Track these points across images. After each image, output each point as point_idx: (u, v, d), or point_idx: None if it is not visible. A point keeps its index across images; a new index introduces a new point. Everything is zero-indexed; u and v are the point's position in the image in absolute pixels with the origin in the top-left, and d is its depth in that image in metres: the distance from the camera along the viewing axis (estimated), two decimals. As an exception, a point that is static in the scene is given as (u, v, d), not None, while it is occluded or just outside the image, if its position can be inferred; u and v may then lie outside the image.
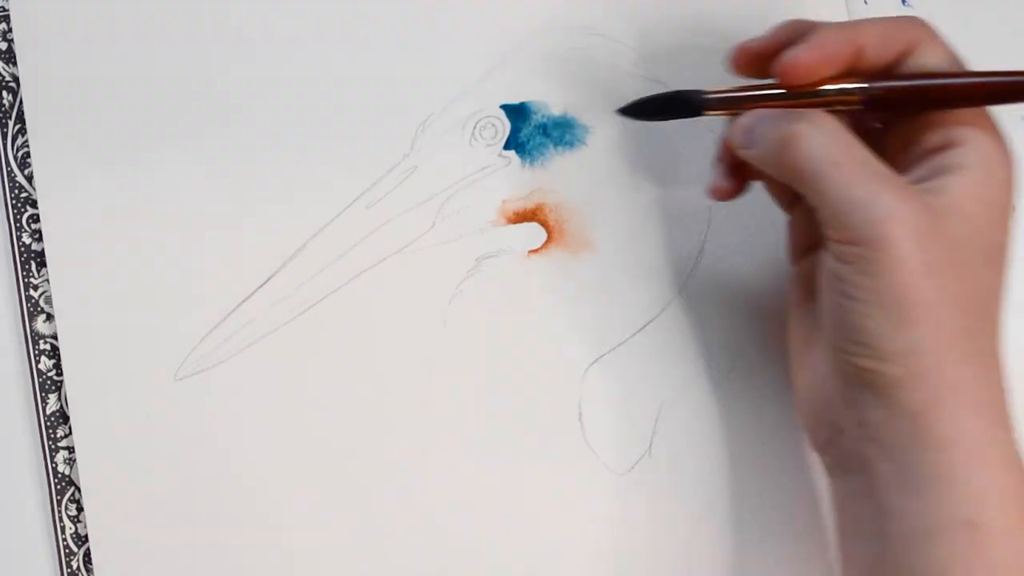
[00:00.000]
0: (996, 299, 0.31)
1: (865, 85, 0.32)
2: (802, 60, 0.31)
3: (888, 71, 0.32)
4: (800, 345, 0.34)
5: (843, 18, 0.40)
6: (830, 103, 0.32)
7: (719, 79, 0.40)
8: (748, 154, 0.33)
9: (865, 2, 0.41)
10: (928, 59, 0.32)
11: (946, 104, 0.31)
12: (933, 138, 0.31)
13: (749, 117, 0.33)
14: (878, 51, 0.32)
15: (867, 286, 0.29)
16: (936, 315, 0.29)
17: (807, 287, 0.34)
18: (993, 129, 0.31)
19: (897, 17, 0.32)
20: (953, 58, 0.32)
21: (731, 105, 0.34)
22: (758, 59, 0.34)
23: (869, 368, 0.30)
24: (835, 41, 0.31)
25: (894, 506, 0.30)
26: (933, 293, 0.29)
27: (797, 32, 0.33)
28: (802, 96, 0.32)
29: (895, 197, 0.29)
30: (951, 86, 0.31)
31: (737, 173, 0.35)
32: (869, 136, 0.32)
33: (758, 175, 0.35)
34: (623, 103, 0.36)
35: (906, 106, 0.32)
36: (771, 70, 0.33)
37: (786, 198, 0.35)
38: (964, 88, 0.31)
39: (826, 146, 0.30)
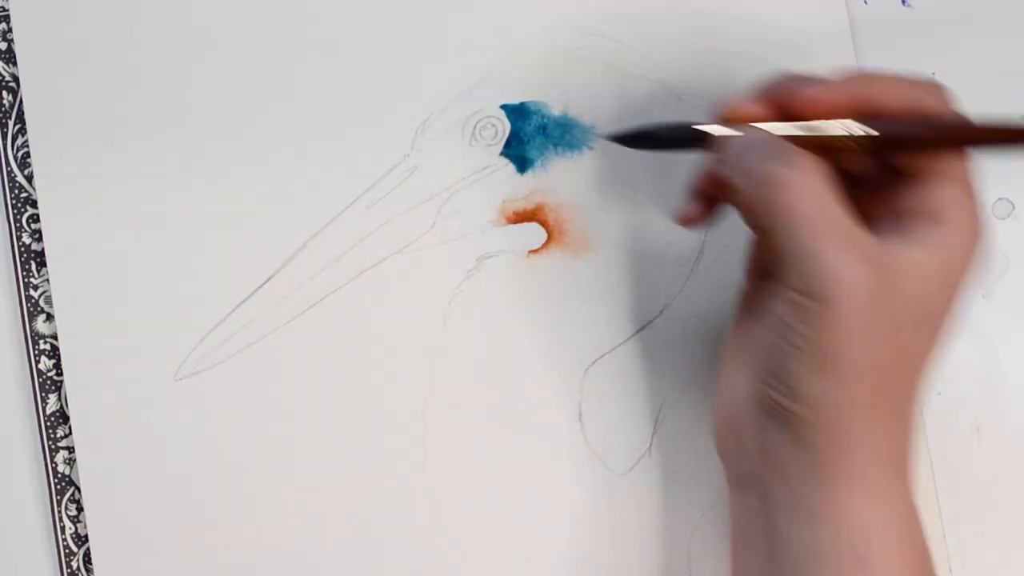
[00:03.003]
0: (923, 363, 0.32)
1: (865, 135, 0.32)
2: (802, 100, 0.32)
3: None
4: (730, 360, 0.35)
5: (843, 18, 0.40)
6: (831, 143, 0.32)
7: (718, 79, 0.40)
8: (729, 176, 0.33)
9: (865, 2, 0.41)
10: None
11: (923, 147, 0.32)
12: (911, 201, 0.32)
13: (742, 142, 0.33)
14: (890, 105, 0.32)
15: (805, 335, 0.30)
16: (860, 374, 0.30)
17: (752, 308, 0.35)
18: (971, 204, 0.32)
19: (919, 81, 0.32)
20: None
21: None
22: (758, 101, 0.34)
23: (783, 404, 0.31)
24: (847, 94, 0.32)
25: (785, 529, 0.32)
26: (863, 354, 0.30)
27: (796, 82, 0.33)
28: (806, 134, 0.32)
29: (853, 261, 0.30)
30: (948, 129, 0.32)
31: (707, 201, 0.35)
32: (857, 182, 0.33)
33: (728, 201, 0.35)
34: (615, 127, 0.36)
35: (905, 148, 0.32)
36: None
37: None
38: (958, 131, 0.32)
39: (804, 199, 0.31)
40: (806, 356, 0.31)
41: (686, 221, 0.36)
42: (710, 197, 0.35)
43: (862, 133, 0.32)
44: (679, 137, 0.34)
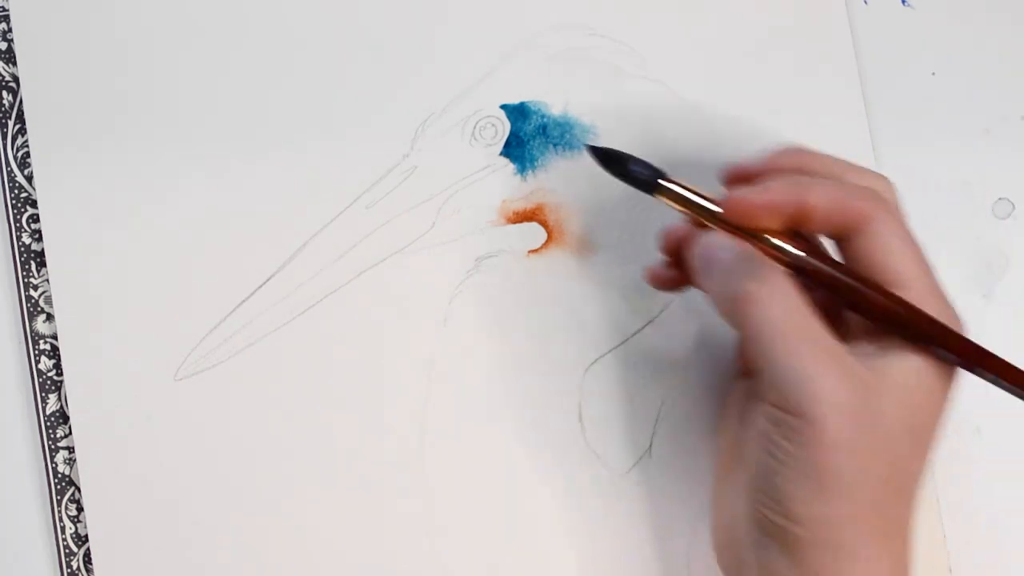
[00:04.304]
0: (915, 478, 0.31)
1: (793, 251, 0.32)
2: (743, 202, 0.32)
3: (840, 239, 0.32)
4: (723, 473, 0.35)
5: (843, 20, 0.40)
6: (765, 251, 0.32)
7: (719, 79, 0.40)
8: (698, 273, 0.33)
9: (865, 2, 0.41)
10: (874, 242, 0.31)
11: (855, 308, 0.31)
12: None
13: (706, 250, 0.32)
14: (829, 215, 0.31)
15: (791, 452, 0.30)
16: (851, 491, 0.29)
17: (741, 414, 0.34)
18: (946, 315, 0.31)
19: (860, 188, 0.32)
20: (904, 241, 0.31)
21: (681, 203, 0.33)
22: (746, 178, 0.34)
23: (779, 524, 0.30)
24: (783, 193, 0.31)
25: None
26: (853, 471, 0.29)
27: (792, 162, 0.33)
28: (743, 232, 0.32)
29: (832, 376, 0.29)
30: (862, 295, 0.31)
31: (683, 267, 0.34)
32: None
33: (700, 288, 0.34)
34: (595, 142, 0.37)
35: (825, 289, 0.32)
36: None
37: None
38: (874, 304, 0.31)
39: (774, 314, 0.30)
40: (795, 473, 0.30)
41: (662, 284, 0.36)
42: (684, 263, 0.34)
43: (789, 254, 0.31)
44: (648, 180, 0.33)
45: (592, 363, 0.38)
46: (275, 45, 0.39)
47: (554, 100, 0.39)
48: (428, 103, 0.39)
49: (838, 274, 0.31)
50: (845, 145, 0.40)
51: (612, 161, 0.34)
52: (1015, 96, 0.41)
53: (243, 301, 0.38)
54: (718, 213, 0.32)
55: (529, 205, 0.39)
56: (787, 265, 0.32)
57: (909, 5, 0.41)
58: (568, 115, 0.39)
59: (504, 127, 0.39)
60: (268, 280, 0.38)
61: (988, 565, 0.39)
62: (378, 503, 0.38)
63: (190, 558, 0.37)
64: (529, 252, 0.39)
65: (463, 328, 0.38)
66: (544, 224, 0.39)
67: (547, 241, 0.39)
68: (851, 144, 0.40)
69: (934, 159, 0.40)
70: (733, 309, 0.31)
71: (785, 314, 0.30)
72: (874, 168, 0.40)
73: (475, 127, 0.39)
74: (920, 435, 0.31)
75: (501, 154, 0.39)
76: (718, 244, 0.32)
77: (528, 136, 0.39)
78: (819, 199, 0.31)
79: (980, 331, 0.40)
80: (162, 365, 0.38)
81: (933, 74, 0.41)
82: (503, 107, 0.39)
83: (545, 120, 0.39)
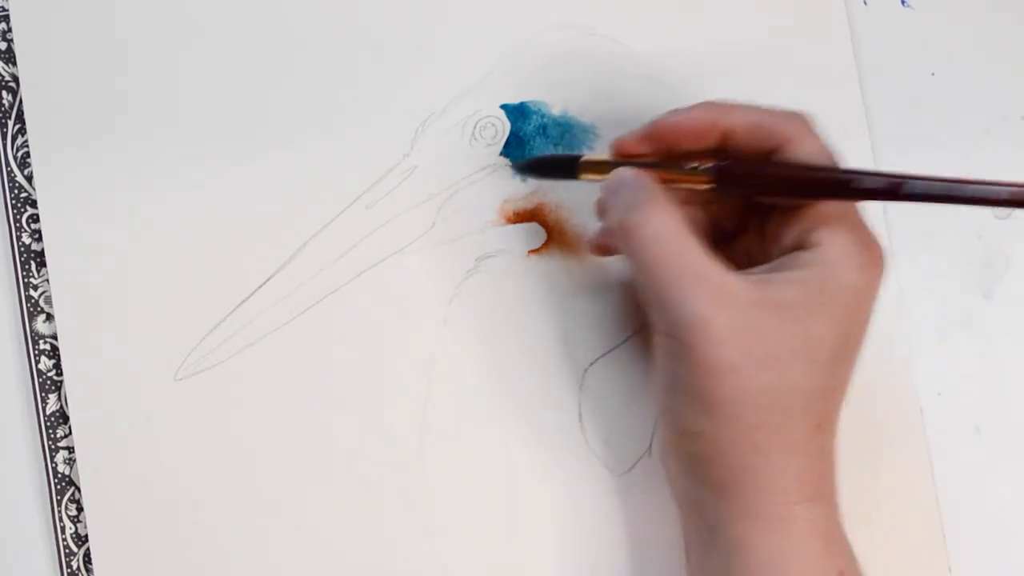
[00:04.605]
0: (810, 396, 0.31)
1: (714, 164, 0.32)
2: (666, 126, 0.33)
3: (761, 159, 0.33)
4: (652, 397, 0.37)
5: (842, 20, 0.40)
6: (685, 180, 0.33)
7: (718, 78, 0.40)
8: (607, 223, 0.34)
9: (865, 3, 0.41)
10: (796, 153, 0.32)
11: (788, 192, 0.32)
12: (791, 234, 0.32)
13: (608, 185, 0.34)
14: (749, 139, 0.32)
15: (679, 376, 0.31)
16: (735, 410, 0.30)
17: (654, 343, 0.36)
18: (851, 235, 0.31)
19: (779, 111, 0.33)
20: (823, 153, 0.32)
21: (604, 170, 0.34)
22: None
23: (675, 441, 0.33)
24: (702, 118, 0.33)
25: (703, 562, 0.33)
26: (729, 391, 0.30)
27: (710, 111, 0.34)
28: (665, 167, 0.33)
29: (707, 301, 0.30)
30: (787, 173, 0.32)
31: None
32: (762, 218, 0.34)
33: None
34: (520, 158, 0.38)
35: (752, 189, 0.33)
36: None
37: None
38: (801, 179, 0.32)
39: (658, 244, 0.31)
40: (684, 396, 0.31)
41: (597, 251, 0.38)
42: None
43: (707, 167, 0.32)
44: (568, 166, 0.36)
45: (592, 363, 0.38)
46: (275, 45, 0.39)
47: (554, 100, 0.39)
48: (428, 103, 0.39)
49: (761, 168, 0.32)
50: (845, 145, 0.40)
51: (538, 166, 0.37)
52: (1015, 96, 0.41)
53: (243, 301, 0.38)
54: (622, 154, 0.34)
55: (529, 205, 0.39)
56: (708, 181, 0.32)
57: (908, 5, 0.41)
58: (568, 115, 0.39)
59: (504, 127, 0.39)
60: (268, 280, 0.38)
61: (988, 565, 0.39)
62: (378, 503, 0.38)
63: (190, 558, 0.37)
64: (529, 252, 0.39)
65: (463, 328, 0.38)
66: (544, 224, 0.39)
67: (547, 241, 0.39)
68: (851, 144, 0.40)
69: (934, 159, 0.40)
70: (622, 241, 0.32)
71: (667, 245, 0.31)
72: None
73: (475, 127, 0.39)
74: (817, 355, 0.31)
75: (501, 154, 0.39)
76: (618, 176, 0.33)
77: (528, 136, 0.39)
78: (738, 119, 0.32)
79: (980, 331, 0.40)
80: (162, 365, 0.38)
81: (933, 74, 0.41)
82: (503, 107, 0.39)
83: (545, 120, 0.39)
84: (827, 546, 0.31)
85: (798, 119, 0.32)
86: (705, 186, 0.33)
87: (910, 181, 0.29)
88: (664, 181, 0.33)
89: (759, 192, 0.33)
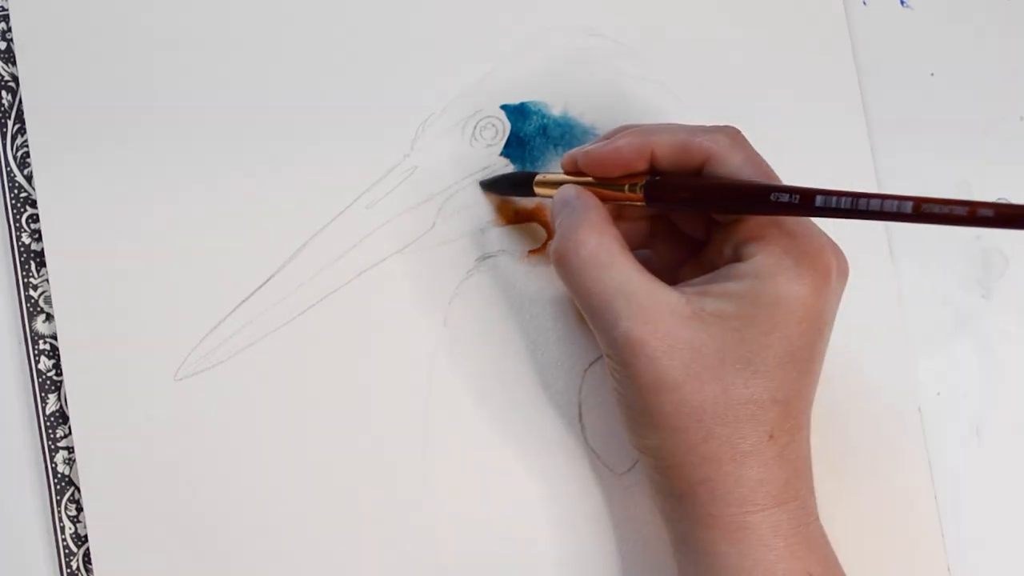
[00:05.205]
0: (757, 406, 0.31)
1: (643, 182, 0.33)
2: (598, 156, 0.33)
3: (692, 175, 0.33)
4: None
5: (841, 20, 0.40)
6: (621, 198, 0.33)
7: (717, 79, 0.40)
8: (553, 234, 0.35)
9: (864, 3, 0.41)
10: (721, 167, 0.32)
11: (711, 206, 0.33)
12: (729, 246, 0.33)
13: (551, 209, 0.35)
14: (677, 158, 0.33)
15: (624, 394, 0.32)
16: (676, 424, 0.31)
17: None
18: (787, 245, 0.31)
19: (706, 127, 0.33)
20: (749, 165, 0.32)
21: (556, 187, 0.35)
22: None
23: (637, 451, 0.34)
24: (632, 144, 0.33)
25: (681, 566, 0.34)
26: (672, 406, 0.31)
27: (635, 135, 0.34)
28: (604, 186, 0.34)
29: (640, 320, 0.31)
30: (705, 186, 0.32)
31: None
32: (711, 233, 0.34)
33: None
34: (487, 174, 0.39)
35: (678, 204, 0.33)
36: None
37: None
38: (718, 192, 0.32)
39: (587, 265, 0.32)
40: (633, 411, 0.32)
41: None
42: None
43: (638, 184, 0.33)
44: (526, 183, 0.37)
45: (592, 363, 0.39)
46: (275, 45, 0.39)
47: (554, 100, 0.39)
48: (428, 103, 0.39)
49: (683, 182, 0.33)
50: (844, 145, 0.40)
51: (499, 183, 0.38)
52: (1014, 96, 0.41)
53: (243, 301, 0.38)
54: (571, 171, 0.35)
55: (529, 205, 0.39)
56: (643, 199, 0.33)
57: (908, 6, 0.41)
58: (568, 115, 0.39)
59: (504, 127, 0.39)
60: (268, 280, 0.38)
61: (988, 565, 0.39)
62: (378, 502, 0.38)
63: (190, 558, 0.37)
64: (529, 252, 0.39)
65: (463, 328, 0.38)
66: (544, 224, 0.39)
67: (547, 241, 0.39)
68: (850, 144, 0.40)
69: (933, 159, 0.41)
70: (557, 269, 0.33)
71: (597, 268, 0.32)
72: (873, 170, 0.40)
73: (475, 127, 0.39)
74: (753, 364, 0.31)
75: (501, 154, 0.39)
76: (561, 195, 0.34)
77: (528, 136, 0.39)
78: (664, 140, 0.33)
79: (979, 331, 0.40)
80: (162, 365, 0.38)
81: (932, 74, 0.41)
82: (503, 107, 0.39)
83: (545, 120, 0.39)
84: (792, 551, 0.31)
85: (722, 134, 0.32)
86: (639, 203, 0.33)
87: (818, 196, 0.28)
88: (604, 199, 0.34)
89: (686, 207, 0.34)
